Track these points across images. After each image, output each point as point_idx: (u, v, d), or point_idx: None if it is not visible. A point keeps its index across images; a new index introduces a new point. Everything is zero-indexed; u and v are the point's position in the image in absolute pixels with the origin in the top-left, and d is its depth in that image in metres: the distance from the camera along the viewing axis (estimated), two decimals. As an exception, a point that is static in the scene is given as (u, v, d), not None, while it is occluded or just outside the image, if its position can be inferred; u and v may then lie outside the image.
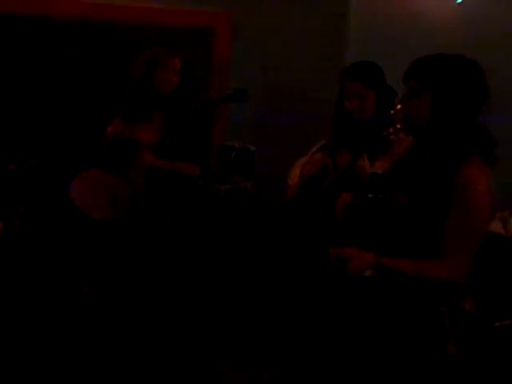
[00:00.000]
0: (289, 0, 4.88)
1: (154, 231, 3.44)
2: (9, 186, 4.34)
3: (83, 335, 3.45)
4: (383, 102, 2.85)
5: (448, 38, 4.23)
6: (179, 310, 3.48)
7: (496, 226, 3.65)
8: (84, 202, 3.39)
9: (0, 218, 4.23)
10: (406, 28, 4.67)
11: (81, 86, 4.93)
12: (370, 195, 2.21)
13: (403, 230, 2.13)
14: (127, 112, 3.49)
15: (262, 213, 4.30)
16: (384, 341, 2.16)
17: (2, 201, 4.28)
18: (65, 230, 4.10)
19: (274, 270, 3.69)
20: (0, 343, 3.35)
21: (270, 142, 4.81)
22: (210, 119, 3.28)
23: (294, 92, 4.87)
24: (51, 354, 3.32)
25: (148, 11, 4.78)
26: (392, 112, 2.30)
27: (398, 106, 2.21)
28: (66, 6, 4.77)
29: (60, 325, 3.55)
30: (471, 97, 2.07)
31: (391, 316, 2.17)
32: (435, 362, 2.09)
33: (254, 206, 4.33)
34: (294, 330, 3.01)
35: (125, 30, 4.83)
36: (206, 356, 3.35)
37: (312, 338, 2.63)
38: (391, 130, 2.49)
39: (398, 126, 2.37)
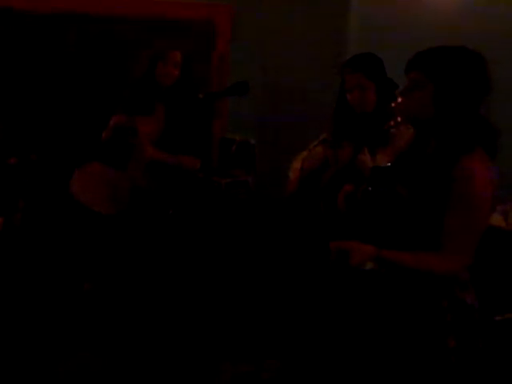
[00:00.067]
0: (289, 0, 4.87)
1: (155, 225, 3.44)
2: (9, 181, 4.34)
3: (83, 332, 3.45)
4: (384, 95, 2.85)
5: (449, 35, 4.22)
6: (180, 306, 3.48)
7: (497, 220, 3.65)
8: (85, 196, 3.39)
9: (0, 212, 4.23)
10: (406, 28, 4.66)
11: (81, 80, 4.92)
12: (369, 188, 2.20)
13: (404, 222, 2.13)
14: (129, 105, 3.50)
15: (263, 206, 4.30)
16: (385, 334, 2.16)
17: (3, 195, 4.29)
18: (65, 224, 4.10)
19: (274, 264, 3.69)
20: (0, 341, 3.35)
21: (270, 135, 4.82)
22: (210, 112, 3.28)
23: (293, 92, 4.87)
24: (51, 351, 3.31)
25: (149, 4, 4.78)
26: (393, 105, 2.29)
27: (399, 99, 2.20)
28: (65, 1, 4.76)
29: (60, 321, 3.55)
30: (474, 88, 2.06)
31: (392, 309, 2.17)
32: (435, 355, 2.09)
33: (255, 200, 4.33)
34: (296, 322, 3.01)
35: (125, 23, 4.82)
36: (206, 354, 3.35)
37: (314, 332, 2.63)
38: (392, 123, 2.48)
39: (399, 119, 2.37)
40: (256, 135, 4.66)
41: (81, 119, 4.88)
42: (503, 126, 2.13)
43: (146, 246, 3.44)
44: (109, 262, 3.54)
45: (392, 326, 2.16)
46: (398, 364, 2.14)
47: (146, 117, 3.48)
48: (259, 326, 3.47)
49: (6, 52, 4.85)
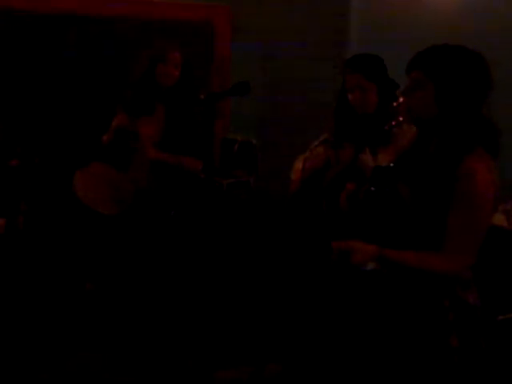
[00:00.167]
0: (289, 0, 4.87)
1: (157, 226, 3.44)
2: (11, 183, 4.34)
3: (85, 332, 3.45)
4: (385, 95, 2.84)
5: (449, 34, 4.22)
6: (181, 307, 3.48)
7: (499, 219, 3.64)
8: (87, 197, 3.39)
9: (3, 215, 4.24)
10: (406, 28, 4.66)
11: (82, 81, 4.92)
12: (372, 188, 2.21)
13: (406, 222, 2.13)
14: (129, 106, 3.50)
15: (265, 207, 4.30)
16: (387, 334, 2.16)
17: (5, 197, 4.29)
18: (67, 226, 4.10)
19: (276, 264, 3.68)
20: (1, 341, 3.35)
21: (272, 135, 4.82)
22: (212, 113, 3.28)
23: (294, 92, 4.87)
24: (52, 351, 3.32)
25: (148, 5, 4.78)
26: (395, 105, 2.29)
27: (401, 99, 2.20)
28: (65, 2, 4.76)
29: (62, 322, 3.55)
30: (475, 88, 2.06)
31: (394, 309, 2.17)
32: (438, 354, 2.09)
33: (257, 201, 4.33)
34: (297, 323, 3.00)
35: (124, 24, 4.83)
36: (206, 352, 3.35)
37: (315, 332, 2.63)
38: (394, 123, 2.48)
39: (401, 118, 2.37)
40: (257, 135, 4.66)
41: (82, 121, 4.89)
42: (504, 125, 2.13)
43: (147, 246, 3.44)
44: (111, 263, 3.55)
45: (394, 326, 2.16)
46: (400, 364, 2.14)
47: (147, 118, 3.48)
48: (260, 329, 3.47)
49: (7, 53, 4.85)
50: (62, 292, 3.82)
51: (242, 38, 4.82)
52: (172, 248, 3.46)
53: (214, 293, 3.66)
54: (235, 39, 4.83)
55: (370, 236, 2.16)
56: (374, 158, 2.76)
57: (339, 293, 2.42)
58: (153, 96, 3.49)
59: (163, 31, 4.73)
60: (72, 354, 3.30)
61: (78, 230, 3.81)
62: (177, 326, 3.44)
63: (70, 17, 4.82)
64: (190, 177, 3.57)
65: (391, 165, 2.29)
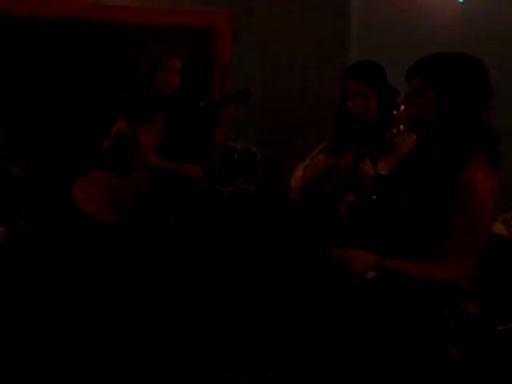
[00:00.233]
0: (289, 0, 4.88)
1: (157, 233, 3.44)
2: (12, 190, 4.35)
3: (85, 336, 3.45)
4: (385, 102, 2.84)
5: (449, 37, 4.23)
6: (181, 312, 3.47)
7: (499, 228, 3.64)
8: (87, 204, 3.39)
9: (3, 221, 4.24)
10: (407, 28, 4.67)
11: (82, 87, 4.93)
12: (374, 197, 2.20)
13: (407, 231, 2.12)
14: (129, 113, 3.50)
15: (265, 215, 4.30)
16: (386, 342, 2.16)
17: (5, 205, 4.29)
18: (67, 232, 4.10)
19: (276, 272, 3.68)
20: (3, 345, 3.35)
21: (272, 143, 4.82)
22: (212, 120, 3.28)
23: (294, 92, 4.87)
24: (53, 354, 3.33)
25: (149, 12, 4.79)
26: (395, 113, 2.28)
27: (402, 107, 2.19)
28: (67, 7, 4.78)
29: (62, 326, 3.55)
30: (475, 95, 2.06)
31: (394, 317, 2.16)
32: (437, 363, 2.08)
33: (257, 208, 4.33)
34: (297, 332, 3.00)
35: (124, 30, 4.84)
36: (207, 358, 3.34)
37: (315, 341, 2.62)
38: (394, 131, 2.48)
39: (402, 127, 2.36)
40: (257, 139, 4.67)
41: (82, 126, 4.89)
42: (504, 132, 2.13)
43: (147, 253, 3.43)
44: (111, 269, 3.54)
45: (394, 334, 2.15)
46: (400, 372, 2.13)
47: (147, 125, 3.48)
48: (260, 337, 3.46)
49: (7, 58, 4.86)
50: (62, 297, 3.83)
51: (242, 39, 4.82)
52: (172, 255, 3.46)
53: (214, 299, 3.66)
54: (235, 41, 4.84)
55: (370, 244, 2.15)
56: (374, 167, 2.75)
57: (339, 301, 2.41)
58: (152, 103, 3.49)
59: (163, 37, 4.74)
60: (72, 358, 3.31)
61: (77, 236, 3.81)
62: (177, 331, 3.43)
63: (70, 22, 4.83)
64: (190, 184, 3.56)
65: (391, 173, 2.28)
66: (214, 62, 4.87)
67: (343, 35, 4.80)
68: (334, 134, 3.02)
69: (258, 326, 3.55)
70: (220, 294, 3.71)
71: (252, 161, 4.46)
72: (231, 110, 4.72)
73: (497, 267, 3.25)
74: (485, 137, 2.08)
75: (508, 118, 3.27)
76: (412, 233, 2.11)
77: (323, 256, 2.21)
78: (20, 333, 3.48)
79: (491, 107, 2.09)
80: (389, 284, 2.15)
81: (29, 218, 4.38)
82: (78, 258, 3.87)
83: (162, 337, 3.40)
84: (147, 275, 3.44)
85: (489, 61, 2.12)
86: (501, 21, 4.55)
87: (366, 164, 2.81)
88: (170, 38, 4.70)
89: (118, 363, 3.26)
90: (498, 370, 2.70)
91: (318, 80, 4.75)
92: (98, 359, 3.30)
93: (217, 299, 3.68)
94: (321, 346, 2.52)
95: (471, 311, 2.12)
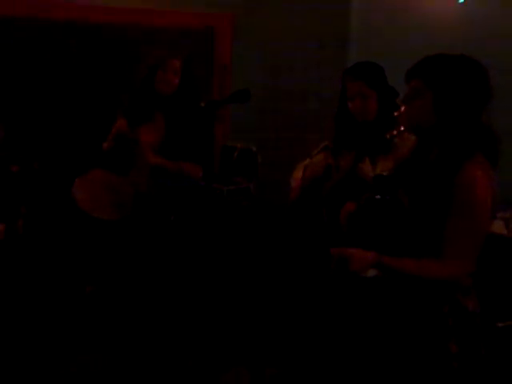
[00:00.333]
0: (289, 0, 4.88)
1: (157, 231, 3.44)
2: (11, 188, 4.35)
3: (85, 335, 3.45)
4: (385, 103, 2.85)
5: (449, 38, 4.23)
6: (181, 309, 3.48)
7: (498, 227, 3.65)
8: (87, 203, 3.39)
9: (2, 219, 4.24)
10: (407, 28, 4.67)
11: (82, 88, 4.94)
12: (377, 196, 2.21)
13: (407, 230, 2.13)
14: (129, 113, 3.51)
15: (265, 214, 4.31)
16: (386, 339, 2.16)
17: (5, 203, 4.29)
18: (67, 230, 4.10)
19: (276, 270, 3.69)
20: (3, 344, 3.35)
21: (272, 143, 4.82)
22: (212, 120, 3.29)
23: (294, 92, 4.87)
24: (53, 354, 3.32)
25: (149, 13, 4.79)
26: (396, 114, 2.29)
27: (402, 109, 2.20)
28: (66, 9, 4.78)
29: (62, 325, 3.55)
30: (475, 96, 2.07)
31: (393, 315, 2.17)
32: (437, 360, 2.09)
33: (257, 207, 4.34)
34: (297, 329, 3.00)
35: (125, 32, 4.84)
36: (207, 355, 3.35)
37: (315, 338, 2.63)
38: (395, 132, 2.48)
39: (402, 128, 2.37)
40: (257, 141, 4.67)
41: (82, 126, 4.89)
42: (504, 132, 2.14)
43: (147, 251, 3.44)
44: (111, 267, 3.55)
45: (393, 332, 2.16)
46: (399, 369, 2.14)
47: (147, 125, 3.49)
48: (259, 333, 3.47)
49: (8, 60, 4.87)
50: (62, 295, 3.83)
51: (242, 39, 4.83)
52: (172, 253, 3.46)
53: (213, 298, 3.66)
54: (236, 41, 4.84)
55: (370, 244, 2.16)
56: (374, 167, 2.76)
57: (338, 299, 2.42)
58: (152, 103, 3.50)
59: (163, 38, 4.74)
60: (73, 357, 3.31)
61: (77, 235, 3.81)
62: (177, 329, 3.44)
63: (70, 24, 4.84)
64: (190, 183, 3.57)
65: (391, 174, 2.29)
66: (214, 62, 4.88)
67: (343, 35, 4.80)
68: (334, 134, 3.02)
69: (257, 322, 3.56)
70: (220, 291, 3.72)
71: (252, 160, 4.47)
72: (231, 110, 4.72)
73: (496, 265, 3.26)
74: (484, 137, 2.09)
75: (508, 119, 3.27)
76: (412, 232, 2.12)
77: (322, 255, 2.22)
78: (20, 332, 3.48)
79: (491, 108, 2.10)
80: (388, 281, 2.16)
81: (28, 216, 4.38)
82: (77, 256, 3.87)
83: (161, 333, 3.41)
84: (147, 274, 3.44)
85: (489, 61, 2.13)
86: (501, 21, 4.55)
87: (365, 165, 2.82)
88: (170, 39, 4.70)
89: (118, 363, 3.26)
90: (498, 366, 2.71)
91: (318, 80, 4.76)
92: (98, 359, 3.30)
93: (216, 296, 3.68)
94: (320, 342, 2.53)
95: (471, 308, 2.13)
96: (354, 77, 2.90)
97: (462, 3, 4.67)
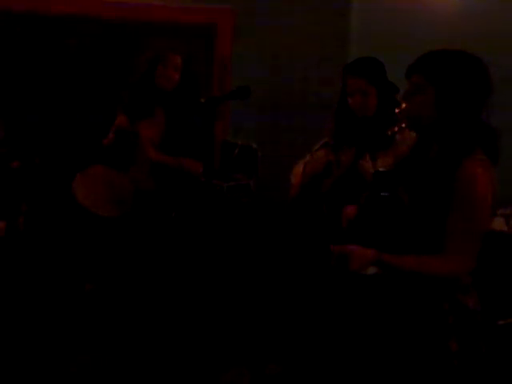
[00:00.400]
0: (289, 0, 4.88)
1: (157, 228, 3.44)
2: (12, 185, 4.35)
3: (85, 335, 3.45)
4: (386, 99, 2.85)
5: (449, 34, 4.23)
6: (181, 308, 3.47)
7: (499, 223, 3.65)
8: (87, 199, 3.39)
9: (3, 216, 4.24)
10: (407, 28, 4.67)
11: (82, 83, 4.93)
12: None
13: (407, 227, 2.13)
14: (129, 109, 3.50)
15: (265, 210, 4.30)
16: (386, 337, 2.16)
17: (6, 199, 4.29)
18: (68, 227, 4.10)
19: (276, 267, 3.68)
20: (2, 343, 3.35)
21: (272, 140, 4.82)
22: (212, 116, 3.28)
23: (294, 92, 4.87)
24: (53, 353, 3.32)
25: (149, 8, 4.79)
26: (397, 111, 2.28)
27: (403, 105, 2.19)
28: (67, 3, 4.77)
29: (62, 323, 3.55)
30: (474, 92, 2.06)
31: (394, 313, 2.16)
32: (437, 358, 2.08)
33: (257, 204, 4.34)
34: (297, 327, 3.00)
35: (125, 27, 4.83)
36: (207, 355, 3.35)
37: (315, 335, 2.63)
38: (396, 128, 2.48)
39: (403, 124, 2.36)
40: (257, 135, 4.67)
41: (82, 121, 4.89)
42: (504, 128, 2.13)
43: (148, 248, 3.44)
44: (110, 265, 3.55)
45: (393, 329, 2.16)
46: (399, 367, 2.14)
47: (147, 120, 3.48)
48: (260, 330, 3.47)
49: (7, 55, 4.86)
50: (62, 292, 3.83)
51: (242, 38, 4.82)
52: (172, 250, 3.46)
53: (213, 295, 3.66)
54: (236, 40, 4.83)
55: (371, 241, 2.16)
56: (374, 163, 2.76)
57: (339, 296, 2.42)
58: (151, 99, 3.49)
59: (164, 34, 4.73)
60: (72, 357, 3.31)
61: (78, 232, 3.81)
62: (177, 328, 3.44)
63: (69, 19, 4.83)
64: (190, 179, 3.57)
65: (391, 170, 2.29)
66: (214, 59, 4.87)
67: (343, 35, 4.79)
68: (334, 130, 3.02)
69: (258, 319, 3.56)
70: (220, 289, 3.72)
71: (252, 156, 4.47)
72: (231, 107, 4.72)
73: (497, 262, 3.26)
74: (484, 133, 2.08)
75: (507, 115, 3.27)
76: (412, 229, 2.12)
77: (322, 252, 2.22)
78: (19, 331, 3.48)
79: (491, 104, 2.09)
80: (388, 279, 2.16)
81: (29, 212, 4.38)
82: (78, 253, 3.87)
83: (161, 332, 3.41)
84: (147, 271, 3.44)
85: (488, 58, 2.12)
86: (500, 18, 4.54)
87: (365, 161, 2.82)
88: (170, 35, 4.70)
89: (118, 363, 3.26)
90: (499, 364, 2.71)
91: (318, 80, 4.76)
92: (98, 359, 3.30)
93: (216, 293, 3.68)
94: (321, 341, 2.52)
95: (471, 306, 2.12)
96: (354, 73, 2.90)
97: (461, 1, 4.66)
